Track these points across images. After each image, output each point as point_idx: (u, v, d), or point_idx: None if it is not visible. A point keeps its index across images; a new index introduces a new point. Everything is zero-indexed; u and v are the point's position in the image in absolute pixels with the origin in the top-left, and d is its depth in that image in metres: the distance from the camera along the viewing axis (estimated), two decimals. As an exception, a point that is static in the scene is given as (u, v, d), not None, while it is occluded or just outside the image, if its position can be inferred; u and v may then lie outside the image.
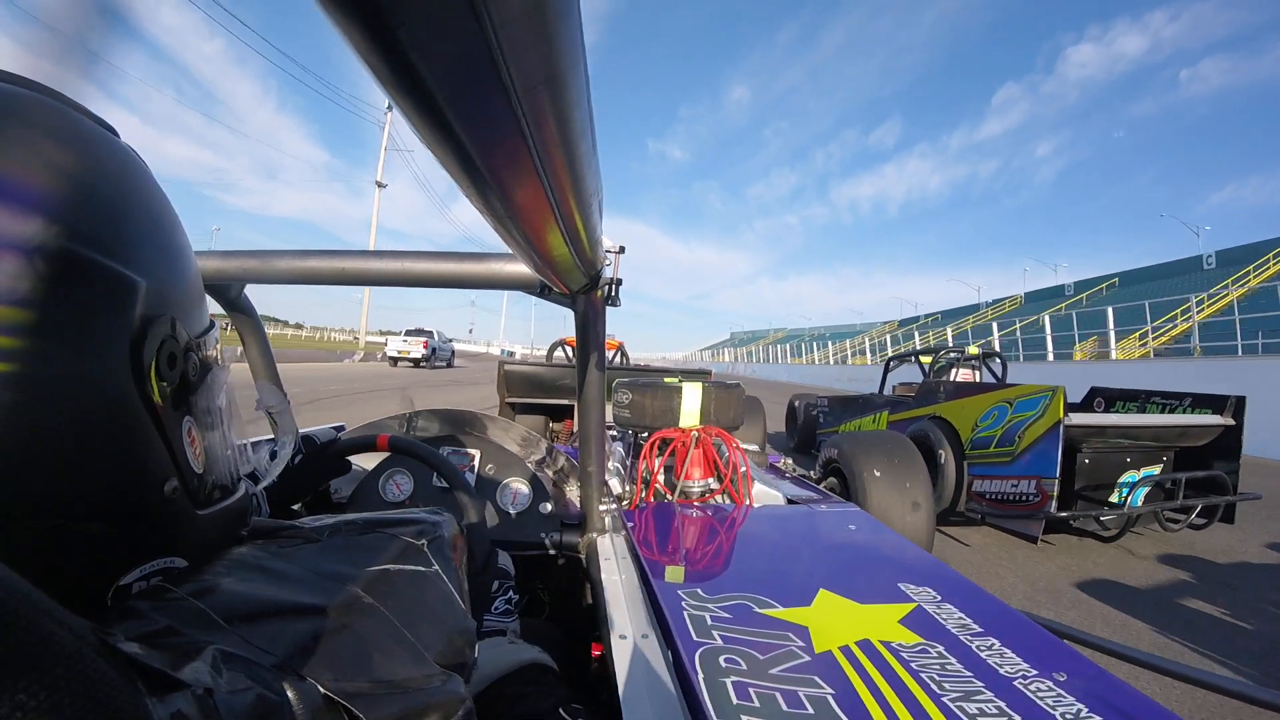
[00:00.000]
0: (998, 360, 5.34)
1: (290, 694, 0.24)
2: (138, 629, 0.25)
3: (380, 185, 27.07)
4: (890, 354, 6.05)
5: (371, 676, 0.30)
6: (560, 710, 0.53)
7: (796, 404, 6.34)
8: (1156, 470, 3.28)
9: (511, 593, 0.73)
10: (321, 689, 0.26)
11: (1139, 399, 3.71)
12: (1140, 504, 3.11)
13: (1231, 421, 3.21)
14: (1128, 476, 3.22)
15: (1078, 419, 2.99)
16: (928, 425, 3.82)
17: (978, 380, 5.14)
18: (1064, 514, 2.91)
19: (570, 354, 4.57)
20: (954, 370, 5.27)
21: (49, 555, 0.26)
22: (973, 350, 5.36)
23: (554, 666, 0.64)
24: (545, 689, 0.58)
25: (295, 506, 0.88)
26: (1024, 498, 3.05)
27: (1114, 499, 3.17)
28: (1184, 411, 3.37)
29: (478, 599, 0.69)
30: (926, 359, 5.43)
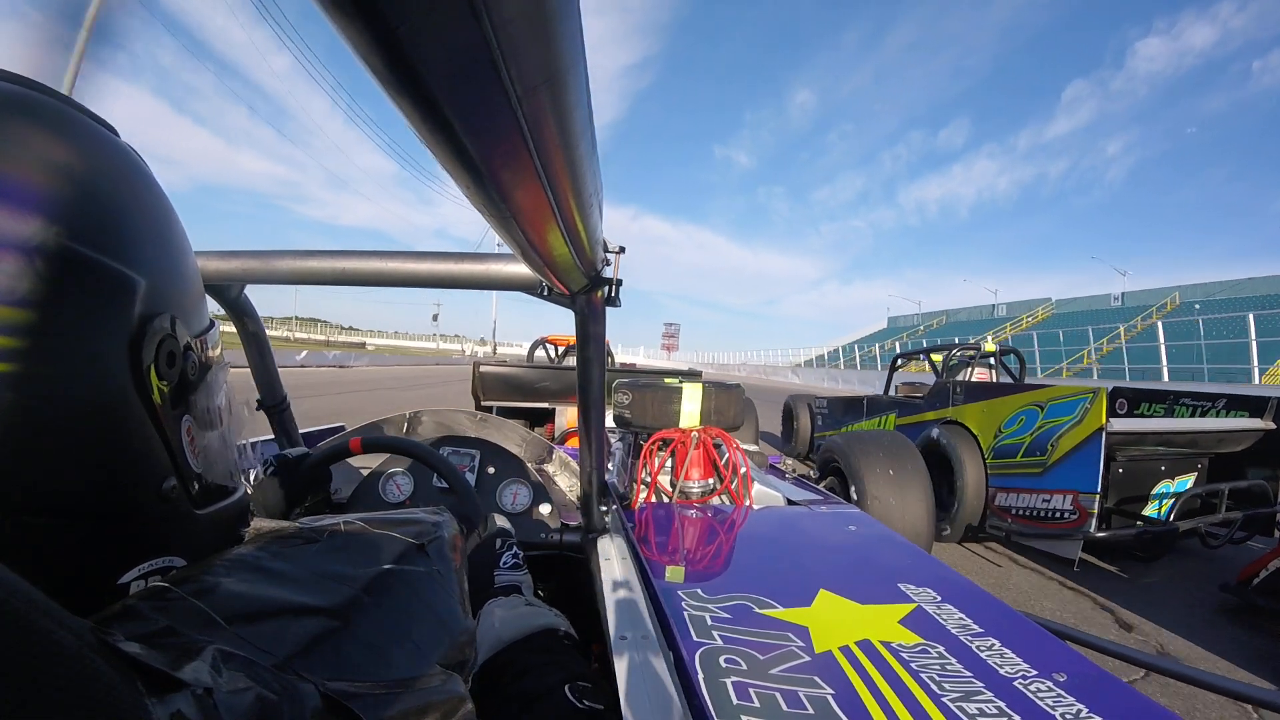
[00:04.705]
0: (1014, 357, 4.76)
1: (290, 694, 0.24)
2: (137, 629, 0.25)
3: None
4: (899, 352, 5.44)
5: (371, 676, 0.30)
6: (566, 688, 0.49)
7: (794, 405, 5.81)
8: (1190, 479, 2.90)
9: (515, 548, 0.73)
10: (321, 689, 0.26)
11: (1166, 400, 3.35)
12: (1171, 518, 2.74)
13: (1273, 425, 2.87)
14: (1162, 486, 2.80)
15: (1119, 425, 2.60)
16: (942, 431, 3.39)
17: (994, 380, 4.59)
18: (1103, 534, 2.45)
19: (553, 353, 4.55)
20: (969, 369, 4.64)
21: (46, 553, 0.26)
22: (989, 347, 4.63)
23: (571, 632, 0.61)
24: (555, 659, 0.54)
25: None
26: (1058, 515, 2.60)
27: (1149, 512, 2.73)
28: (1218, 414, 3.05)
29: (483, 560, 0.70)
30: (938, 357, 4.73)
